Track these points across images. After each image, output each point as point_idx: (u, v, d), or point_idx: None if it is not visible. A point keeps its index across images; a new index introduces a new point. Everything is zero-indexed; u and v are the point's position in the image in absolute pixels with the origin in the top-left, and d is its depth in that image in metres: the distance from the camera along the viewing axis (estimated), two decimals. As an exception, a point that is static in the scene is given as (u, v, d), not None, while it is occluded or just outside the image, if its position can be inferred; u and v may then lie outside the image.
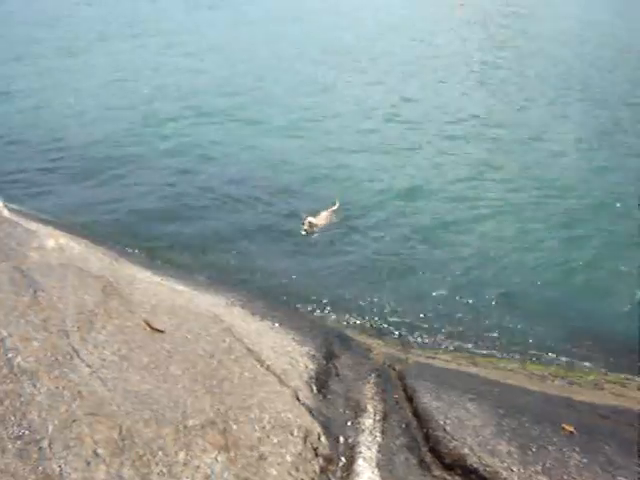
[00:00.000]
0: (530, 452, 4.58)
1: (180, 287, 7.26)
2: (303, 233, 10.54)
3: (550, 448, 4.68)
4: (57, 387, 4.38)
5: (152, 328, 5.56)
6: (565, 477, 4.31)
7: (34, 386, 4.34)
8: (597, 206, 12.08)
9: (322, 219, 10.89)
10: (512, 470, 4.33)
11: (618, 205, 11.89)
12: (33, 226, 8.10)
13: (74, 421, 4.07)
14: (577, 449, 4.70)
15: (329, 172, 13.53)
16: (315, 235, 10.54)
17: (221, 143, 15.63)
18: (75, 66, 22.69)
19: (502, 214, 11.78)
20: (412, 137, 15.97)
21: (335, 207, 11.27)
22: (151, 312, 5.91)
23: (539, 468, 4.38)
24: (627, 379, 7.26)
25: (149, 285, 6.81)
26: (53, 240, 7.24)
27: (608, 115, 18.00)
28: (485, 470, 4.35)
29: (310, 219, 10.67)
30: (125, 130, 16.64)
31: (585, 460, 4.57)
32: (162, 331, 5.55)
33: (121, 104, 18.80)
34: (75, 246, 7.33)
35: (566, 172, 14.00)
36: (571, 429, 5.01)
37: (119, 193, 12.66)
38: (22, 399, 4.19)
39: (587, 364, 7.62)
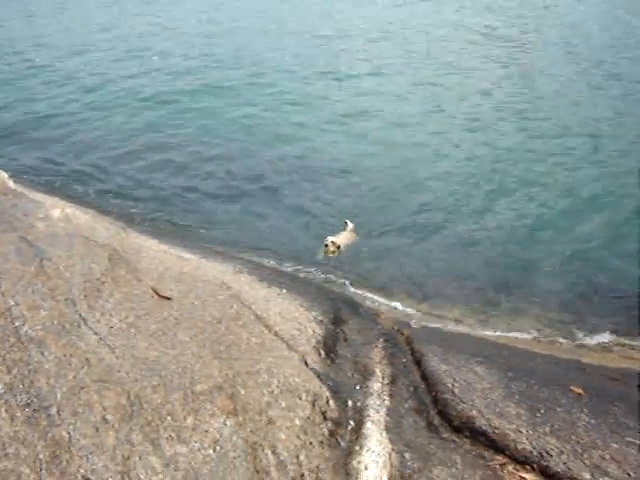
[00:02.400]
0: (539, 414, 4.57)
1: (187, 255, 7.25)
2: (328, 255, 9.40)
3: (558, 410, 4.67)
4: (65, 355, 4.38)
5: (159, 295, 5.55)
6: (574, 438, 4.31)
7: (42, 354, 4.35)
8: (614, 169, 11.98)
9: (343, 239, 9.75)
10: (520, 432, 4.33)
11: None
12: (39, 197, 8.09)
13: (82, 388, 4.08)
14: (585, 411, 4.70)
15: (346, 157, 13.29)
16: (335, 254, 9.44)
17: (232, 118, 15.59)
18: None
19: (513, 180, 11.69)
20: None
21: (350, 227, 10.12)
22: (158, 280, 5.90)
23: (547, 429, 4.38)
24: (635, 342, 7.25)
25: (156, 253, 6.79)
26: (59, 210, 7.22)
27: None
28: (494, 432, 4.35)
29: (332, 239, 9.57)
30: (132, 100, 16.67)
31: (593, 421, 4.57)
32: (169, 298, 5.54)
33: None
34: (81, 216, 7.31)
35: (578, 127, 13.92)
36: (580, 391, 5.00)
37: (124, 164, 12.66)
38: (30, 367, 4.20)
39: (596, 327, 7.59)
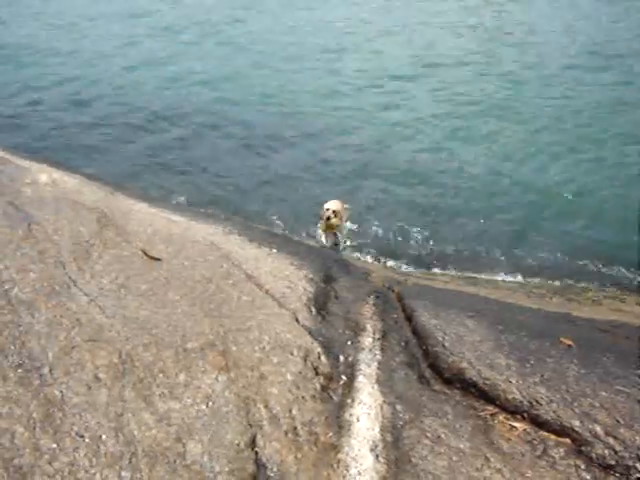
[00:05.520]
0: (528, 365, 4.60)
1: (176, 218, 7.22)
2: (331, 228, 8.21)
3: (548, 360, 4.69)
4: (55, 316, 4.39)
5: (149, 256, 5.55)
6: (563, 387, 4.34)
7: (32, 316, 4.36)
8: (606, 135, 11.94)
9: (341, 211, 8.22)
10: (510, 382, 4.36)
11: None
12: (25, 163, 8.04)
13: (74, 348, 4.09)
14: (575, 361, 4.72)
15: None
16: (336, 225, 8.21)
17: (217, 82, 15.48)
18: None
19: (507, 140, 11.67)
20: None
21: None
22: (147, 241, 5.89)
23: (537, 379, 4.40)
24: (625, 295, 7.30)
25: (145, 216, 6.77)
26: (46, 175, 7.19)
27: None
28: (484, 383, 4.38)
29: (332, 206, 8.05)
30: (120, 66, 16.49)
31: (583, 371, 4.59)
32: (159, 259, 5.54)
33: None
34: (69, 180, 7.28)
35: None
36: (569, 342, 5.03)
37: (114, 130, 12.59)
38: (21, 328, 4.21)
39: (586, 281, 7.65)
